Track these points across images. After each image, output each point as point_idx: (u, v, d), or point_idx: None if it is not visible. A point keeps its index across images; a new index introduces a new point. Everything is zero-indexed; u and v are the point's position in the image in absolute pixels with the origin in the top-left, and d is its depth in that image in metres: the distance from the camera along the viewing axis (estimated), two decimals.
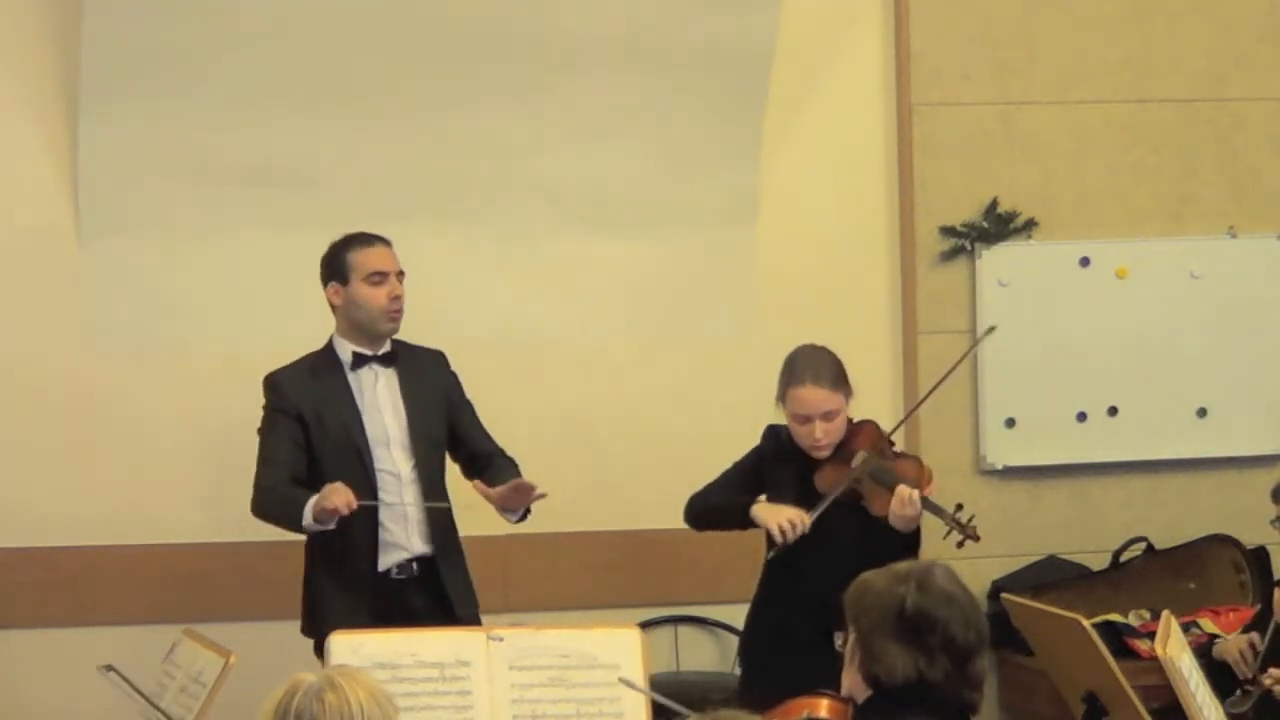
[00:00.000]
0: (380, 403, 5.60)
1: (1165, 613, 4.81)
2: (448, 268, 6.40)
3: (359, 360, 5.60)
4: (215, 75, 6.16)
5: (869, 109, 6.77)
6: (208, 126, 6.22)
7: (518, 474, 5.58)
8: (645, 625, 6.03)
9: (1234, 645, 5.62)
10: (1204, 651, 5.59)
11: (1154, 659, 4.61)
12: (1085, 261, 6.87)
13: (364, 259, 5.58)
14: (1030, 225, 6.83)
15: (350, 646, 4.64)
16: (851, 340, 5.96)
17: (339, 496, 5.31)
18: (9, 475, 6.29)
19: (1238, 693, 5.41)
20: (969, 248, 6.80)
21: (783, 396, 5.52)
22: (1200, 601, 6.71)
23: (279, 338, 6.06)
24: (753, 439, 5.70)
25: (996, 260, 6.81)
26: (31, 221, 6.31)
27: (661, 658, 6.50)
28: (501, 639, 4.77)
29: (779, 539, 5.39)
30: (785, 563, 5.49)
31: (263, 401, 5.60)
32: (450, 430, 5.71)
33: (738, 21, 6.39)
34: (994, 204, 6.80)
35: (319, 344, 5.66)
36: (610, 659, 4.75)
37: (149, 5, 6.02)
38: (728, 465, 5.72)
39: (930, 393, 5.97)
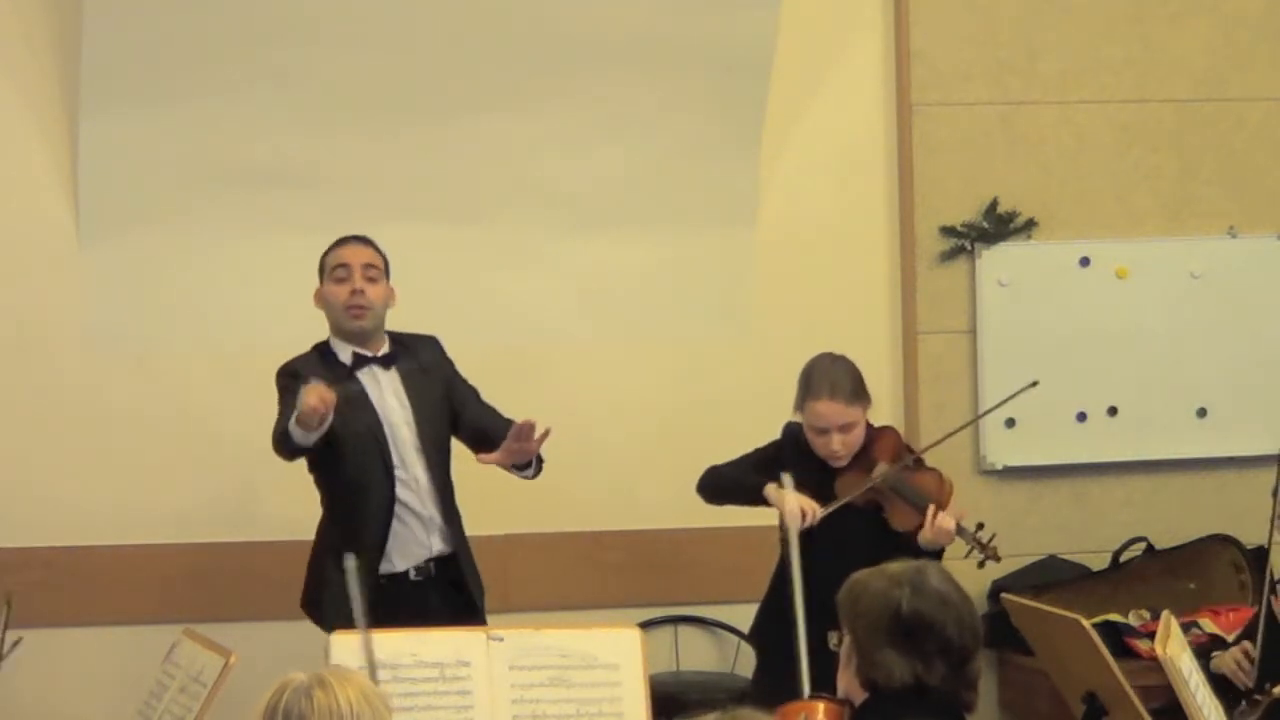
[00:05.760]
0: (388, 406, 5.53)
1: (1165, 613, 4.81)
2: (448, 268, 6.40)
3: (359, 361, 5.54)
4: (215, 76, 6.16)
5: (869, 109, 6.77)
6: (208, 127, 6.23)
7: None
8: (645, 625, 6.02)
9: (1229, 657, 5.58)
10: (1203, 652, 5.59)
11: (1154, 659, 4.61)
12: (1085, 261, 6.87)
13: (332, 256, 5.55)
14: (1030, 225, 6.83)
15: (351, 647, 4.63)
16: (851, 340, 5.96)
17: (312, 395, 5.13)
18: (9, 475, 6.29)
19: (1243, 704, 5.39)
20: (969, 248, 6.80)
21: (800, 407, 5.49)
22: (1200, 601, 6.71)
23: (279, 338, 6.05)
24: (753, 438, 5.69)
25: (996, 260, 6.81)
26: (31, 221, 6.31)
27: (661, 658, 6.49)
28: (501, 639, 4.76)
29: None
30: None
31: (275, 395, 5.46)
32: (455, 416, 5.62)
33: (738, 21, 6.39)
34: (994, 204, 6.80)
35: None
36: (610, 659, 4.74)
37: (149, 6, 6.02)
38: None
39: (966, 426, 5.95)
